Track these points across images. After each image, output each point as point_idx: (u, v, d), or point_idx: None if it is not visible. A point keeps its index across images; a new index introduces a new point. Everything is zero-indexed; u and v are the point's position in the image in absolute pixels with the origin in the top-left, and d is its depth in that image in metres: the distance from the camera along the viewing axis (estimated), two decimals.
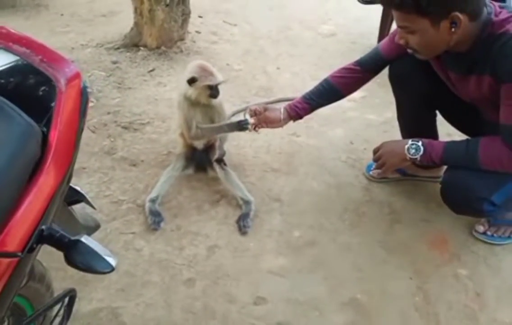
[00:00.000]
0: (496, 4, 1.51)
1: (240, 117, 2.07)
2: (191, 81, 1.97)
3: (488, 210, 1.63)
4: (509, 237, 1.85)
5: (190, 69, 2.00)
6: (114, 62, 3.02)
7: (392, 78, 1.98)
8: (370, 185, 2.17)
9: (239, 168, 2.22)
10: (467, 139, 1.64)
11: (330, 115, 2.56)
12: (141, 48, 3.18)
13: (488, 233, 1.86)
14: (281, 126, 2.06)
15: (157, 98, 2.72)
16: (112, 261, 0.89)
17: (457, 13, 1.39)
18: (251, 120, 2.01)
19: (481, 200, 1.61)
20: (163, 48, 3.16)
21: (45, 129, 0.85)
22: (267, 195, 2.08)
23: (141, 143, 2.34)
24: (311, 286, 1.68)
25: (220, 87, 2.01)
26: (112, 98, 2.68)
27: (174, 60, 3.12)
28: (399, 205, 2.05)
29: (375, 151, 1.79)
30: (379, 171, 2.17)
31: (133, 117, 2.53)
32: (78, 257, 0.87)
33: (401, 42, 1.56)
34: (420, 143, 1.63)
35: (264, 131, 2.47)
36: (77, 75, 0.93)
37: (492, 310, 1.59)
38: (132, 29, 3.23)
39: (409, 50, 1.58)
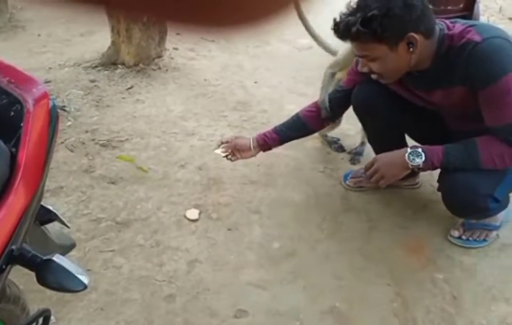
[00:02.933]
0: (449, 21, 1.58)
1: None
2: None
3: (492, 207, 1.68)
4: (484, 240, 1.89)
5: None
6: (92, 81, 3.02)
7: (356, 108, 2.02)
8: (347, 194, 2.20)
9: (217, 182, 2.23)
10: (462, 142, 1.63)
11: None
12: (119, 66, 3.18)
13: (463, 237, 1.90)
14: (253, 155, 2.05)
15: (136, 115, 2.73)
16: (84, 279, 0.89)
17: (412, 34, 1.47)
18: (220, 150, 2.04)
19: (486, 196, 1.64)
20: (141, 65, 3.17)
21: (14, 149, 0.85)
22: (247, 208, 2.09)
23: (120, 160, 2.34)
24: (291, 297, 1.69)
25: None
26: (90, 116, 2.68)
27: (152, 77, 3.13)
28: (376, 212, 2.08)
29: (368, 167, 1.77)
30: (356, 179, 2.23)
31: (111, 135, 2.53)
32: (50, 276, 0.87)
33: (365, 70, 1.63)
34: (420, 150, 1.63)
35: None
36: (44, 95, 0.93)
37: (469, 313, 1.62)
38: (109, 48, 3.23)
39: (373, 76, 1.64)
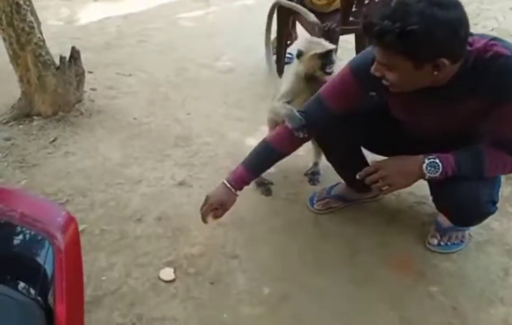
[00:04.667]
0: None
1: None
2: (298, 55, 1.93)
3: (493, 210, 1.70)
4: (461, 242, 1.95)
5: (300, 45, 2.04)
6: (7, 139, 2.66)
7: (321, 140, 2.00)
8: (317, 218, 2.16)
9: (183, 230, 2.06)
10: (469, 149, 1.60)
11: None
12: (35, 117, 2.85)
13: (442, 243, 1.95)
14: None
15: (70, 171, 2.44)
16: None
17: (443, 59, 1.38)
18: (212, 219, 1.90)
19: (488, 203, 1.67)
20: (60, 114, 2.87)
21: (40, 298, 0.65)
22: (223, 254, 1.96)
23: None
24: None
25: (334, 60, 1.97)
26: (16, 181, 2.35)
27: (76, 125, 2.85)
28: (352, 233, 2.06)
29: (369, 173, 1.65)
30: (323, 202, 2.20)
31: (48, 198, 2.23)
32: None
33: (377, 74, 1.51)
34: (437, 160, 1.57)
35: (198, 183, 2.37)
36: (71, 221, 0.73)
37: (473, 322, 1.66)
38: (20, 99, 2.88)
39: (384, 82, 1.52)
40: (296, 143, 1.89)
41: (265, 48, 2.65)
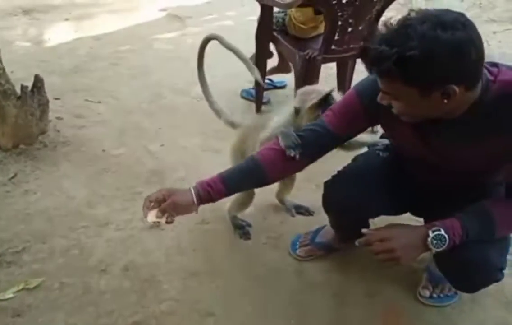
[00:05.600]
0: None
1: None
2: (297, 112, 1.81)
3: (500, 278, 1.54)
4: (455, 293, 1.81)
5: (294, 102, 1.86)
6: None
7: (333, 207, 1.80)
8: (300, 265, 1.99)
9: (153, 283, 1.87)
10: (475, 210, 1.42)
11: None
12: None
13: (434, 295, 1.81)
14: (195, 211, 1.56)
15: (29, 212, 2.22)
16: None
17: (453, 86, 1.21)
18: (153, 214, 1.50)
19: (496, 271, 1.51)
20: (22, 146, 2.65)
21: None
22: (197, 311, 1.77)
23: (20, 281, 1.85)
24: None
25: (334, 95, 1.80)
26: None
27: (39, 159, 2.62)
28: (337, 283, 1.90)
29: (369, 243, 1.45)
30: (305, 248, 2.03)
31: (2, 246, 2.01)
32: None
33: (384, 103, 1.34)
34: (442, 232, 1.37)
35: (170, 226, 2.14)
36: None
37: None
38: None
39: (394, 110, 1.35)
40: (286, 167, 1.60)
41: (201, 88, 2.33)
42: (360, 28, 2.78)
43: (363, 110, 1.52)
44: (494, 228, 1.40)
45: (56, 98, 3.28)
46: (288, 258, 2.03)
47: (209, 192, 1.53)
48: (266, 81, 3.38)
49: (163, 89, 3.63)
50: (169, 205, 1.50)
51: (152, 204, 1.52)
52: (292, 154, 1.55)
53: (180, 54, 4.32)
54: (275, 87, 3.61)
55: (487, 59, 1.28)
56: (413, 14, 1.22)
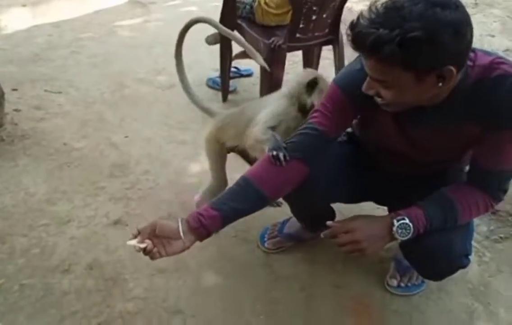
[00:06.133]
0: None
1: None
2: (312, 84, 1.69)
3: (466, 263, 1.54)
4: (422, 282, 1.83)
5: (304, 76, 1.74)
6: None
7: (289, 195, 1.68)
8: (269, 258, 1.98)
9: (118, 281, 1.82)
10: (437, 198, 1.42)
11: None
12: None
13: (402, 284, 1.83)
14: (186, 248, 1.41)
15: None
16: None
17: (450, 67, 1.17)
18: (135, 242, 1.38)
19: (461, 256, 1.50)
20: None
21: None
22: (164, 309, 1.73)
23: None
24: None
25: None
26: None
27: None
28: (305, 275, 1.90)
29: (334, 234, 1.43)
30: (274, 240, 2.02)
31: None
32: None
33: (371, 92, 1.29)
34: (407, 221, 1.37)
35: (135, 220, 2.12)
36: None
37: None
38: None
39: (377, 99, 1.31)
40: (279, 175, 1.47)
41: (178, 75, 2.20)
42: (324, 15, 2.76)
43: (348, 102, 1.46)
44: (457, 215, 1.41)
45: (14, 89, 3.15)
46: (257, 251, 2.01)
47: (200, 220, 1.38)
48: (232, 69, 3.32)
49: (126, 78, 3.52)
50: (151, 225, 1.38)
51: (139, 231, 1.39)
52: (274, 154, 1.46)
53: (143, 41, 4.20)
54: (242, 76, 3.56)
55: None
56: None
